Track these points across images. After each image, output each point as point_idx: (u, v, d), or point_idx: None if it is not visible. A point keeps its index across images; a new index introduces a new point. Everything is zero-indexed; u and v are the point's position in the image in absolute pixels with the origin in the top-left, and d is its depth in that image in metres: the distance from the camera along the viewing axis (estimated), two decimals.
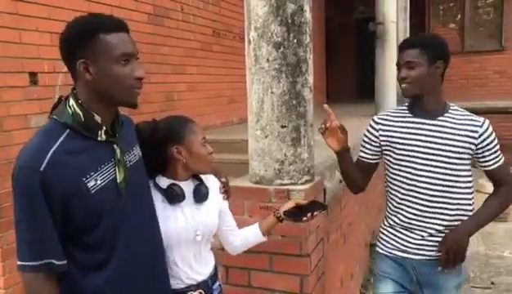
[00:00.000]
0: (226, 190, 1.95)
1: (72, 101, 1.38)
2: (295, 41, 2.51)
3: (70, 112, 1.36)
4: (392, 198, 2.24)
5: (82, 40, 1.34)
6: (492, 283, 4.49)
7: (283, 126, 2.54)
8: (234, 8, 6.16)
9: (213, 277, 1.87)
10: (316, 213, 1.93)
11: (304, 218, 1.91)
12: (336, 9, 11.17)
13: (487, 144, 2.06)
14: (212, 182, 1.90)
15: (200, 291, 1.78)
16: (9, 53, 3.03)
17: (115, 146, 1.42)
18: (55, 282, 1.37)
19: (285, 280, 2.55)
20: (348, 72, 11.93)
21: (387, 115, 2.25)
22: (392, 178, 2.21)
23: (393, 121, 2.19)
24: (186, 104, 5.11)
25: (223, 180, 1.96)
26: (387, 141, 2.19)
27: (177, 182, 1.76)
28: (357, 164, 2.33)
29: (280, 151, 2.56)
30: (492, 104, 9.57)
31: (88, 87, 1.37)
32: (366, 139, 2.29)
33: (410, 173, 2.12)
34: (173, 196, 1.73)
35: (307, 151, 2.61)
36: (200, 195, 1.79)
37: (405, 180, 2.14)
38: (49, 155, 1.29)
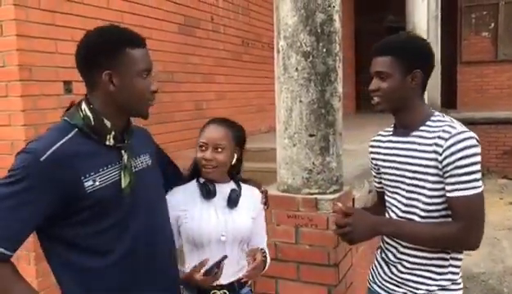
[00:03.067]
0: (266, 201, 1.99)
1: (84, 106, 1.41)
2: (324, 50, 2.51)
3: (81, 115, 1.40)
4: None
5: (109, 52, 1.38)
6: None
7: (311, 135, 2.54)
8: (263, 18, 6.21)
9: (243, 282, 1.88)
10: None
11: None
12: (366, 18, 11.10)
13: (449, 164, 1.56)
14: (254, 195, 1.94)
15: (225, 291, 1.79)
16: (45, 63, 3.13)
17: (123, 152, 1.45)
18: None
19: (312, 290, 2.54)
20: None
21: (378, 135, 1.93)
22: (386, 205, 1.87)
23: (381, 141, 1.88)
24: (214, 113, 5.15)
25: (263, 189, 2.01)
26: (378, 165, 1.88)
27: (214, 182, 1.85)
28: (377, 198, 2.04)
29: (308, 160, 2.55)
30: None
31: (108, 97, 1.41)
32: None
33: (394, 199, 1.78)
34: (206, 191, 1.82)
35: (335, 160, 2.60)
36: (231, 199, 1.84)
37: (388, 204, 1.82)
38: (52, 149, 1.31)
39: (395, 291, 1.78)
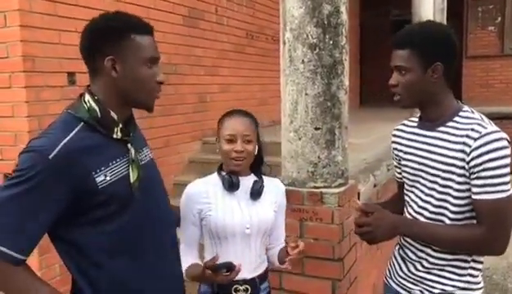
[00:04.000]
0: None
1: (88, 97, 1.36)
2: (331, 42, 2.48)
3: (86, 107, 1.35)
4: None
5: (113, 37, 1.34)
6: None
7: (317, 129, 2.51)
8: (268, 10, 6.16)
9: (263, 276, 1.88)
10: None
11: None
12: (371, 12, 11.03)
13: (476, 166, 1.50)
14: (278, 187, 1.96)
15: (247, 286, 1.78)
16: (49, 54, 3.11)
17: (129, 145, 1.41)
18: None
19: (316, 284, 2.52)
20: (382, 75, 11.67)
21: (402, 125, 1.86)
22: (405, 198, 1.82)
23: (404, 132, 1.81)
24: (218, 106, 5.13)
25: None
26: (398, 156, 1.83)
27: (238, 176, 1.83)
28: (398, 188, 1.97)
29: (313, 153, 2.53)
30: None
31: (110, 85, 1.36)
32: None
33: (413, 193, 1.73)
34: (229, 183, 1.80)
35: (341, 154, 2.58)
36: (254, 191, 1.83)
37: (407, 198, 1.78)
38: (60, 145, 1.25)
39: (411, 288, 1.75)
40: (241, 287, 1.78)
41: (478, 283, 1.69)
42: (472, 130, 1.53)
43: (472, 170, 1.51)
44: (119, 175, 1.36)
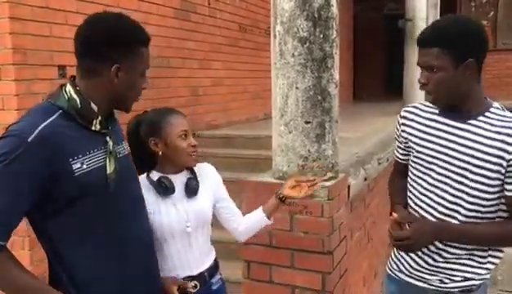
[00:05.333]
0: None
1: (69, 87, 1.39)
2: (321, 36, 2.48)
3: (66, 97, 1.37)
4: (408, 205, 1.82)
5: (120, 46, 1.38)
6: None
7: (307, 122, 2.52)
8: (260, 3, 6.15)
9: (212, 270, 1.88)
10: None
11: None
12: (365, 5, 11.03)
13: None
14: (207, 171, 1.92)
15: (195, 282, 1.78)
16: (39, 46, 3.10)
17: (108, 138, 1.43)
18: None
19: (306, 276, 2.54)
20: (376, 69, 11.77)
21: (414, 108, 1.82)
22: (410, 183, 1.81)
23: (419, 116, 1.77)
24: (211, 99, 5.13)
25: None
26: (407, 139, 1.79)
27: (167, 175, 1.79)
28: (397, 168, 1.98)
29: (303, 147, 2.54)
30: None
31: (106, 87, 1.39)
32: (395, 136, 1.91)
33: (425, 181, 1.72)
34: (163, 188, 1.76)
35: (331, 148, 2.58)
36: (190, 189, 1.80)
37: (419, 188, 1.75)
38: (39, 128, 1.27)
39: (428, 279, 1.75)
40: (190, 284, 1.77)
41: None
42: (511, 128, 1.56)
43: (511, 168, 1.54)
44: (95, 166, 1.37)
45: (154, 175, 1.80)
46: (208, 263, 1.87)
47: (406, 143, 1.82)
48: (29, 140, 1.25)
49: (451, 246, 1.68)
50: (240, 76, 5.78)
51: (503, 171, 1.55)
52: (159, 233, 1.73)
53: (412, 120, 1.79)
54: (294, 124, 2.54)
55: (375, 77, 11.74)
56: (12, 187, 1.25)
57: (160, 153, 1.77)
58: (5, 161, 1.24)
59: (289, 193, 1.89)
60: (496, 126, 1.58)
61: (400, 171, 1.92)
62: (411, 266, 1.79)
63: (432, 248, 1.71)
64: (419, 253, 1.74)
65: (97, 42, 1.37)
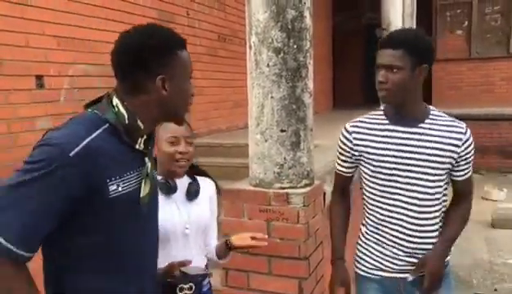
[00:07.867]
0: (219, 190, 2.06)
1: (116, 101, 1.29)
2: (295, 46, 2.54)
3: (114, 111, 1.28)
4: (371, 214, 1.98)
5: (162, 56, 1.30)
6: (495, 290, 4.46)
7: (282, 131, 2.57)
8: (239, 14, 6.21)
9: (204, 275, 1.91)
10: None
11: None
12: (344, 15, 11.19)
13: (467, 153, 1.86)
14: (206, 183, 1.99)
15: (191, 284, 1.81)
16: (16, 57, 3.10)
17: (146, 159, 1.35)
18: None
19: (283, 283, 2.57)
20: (355, 77, 11.95)
21: (360, 122, 1.97)
22: (370, 192, 1.95)
23: (368, 128, 1.93)
24: (191, 109, 5.10)
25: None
26: (362, 152, 1.93)
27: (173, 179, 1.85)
28: (337, 180, 2.13)
29: (279, 155, 2.59)
30: (499, 111, 9.53)
31: (156, 102, 1.31)
32: (339, 150, 2.03)
33: (392, 187, 1.87)
34: (167, 187, 1.82)
35: (306, 155, 2.64)
36: (191, 192, 1.87)
37: (387, 194, 1.89)
38: (83, 144, 1.17)
39: (409, 262, 1.93)
40: (186, 286, 1.79)
41: None
42: (456, 126, 1.85)
43: (462, 157, 1.85)
44: (130, 188, 1.29)
45: (160, 177, 1.83)
46: (202, 265, 1.90)
47: (359, 156, 1.96)
48: (72, 154, 1.16)
49: (411, 241, 1.90)
50: (220, 85, 5.83)
51: (454, 162, 1.86)
52: (161, 233, 1.75)
53: (364, 133, 1.94)
54: (270, 133, 2.59)
55: (354, 84, 11.90)
56: (43, 199, 1.15)
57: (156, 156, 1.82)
58: (41, 170, 1.14)
59: (236, 242, 1.92)
60: (443, 125, 1.85)
61: (342, 188, 2.13)
62: (395, 263, 1.94)
63: (411, 246, 1.91)
64: (400, 252, 1.93)
65: (134, 57, 1.28)
